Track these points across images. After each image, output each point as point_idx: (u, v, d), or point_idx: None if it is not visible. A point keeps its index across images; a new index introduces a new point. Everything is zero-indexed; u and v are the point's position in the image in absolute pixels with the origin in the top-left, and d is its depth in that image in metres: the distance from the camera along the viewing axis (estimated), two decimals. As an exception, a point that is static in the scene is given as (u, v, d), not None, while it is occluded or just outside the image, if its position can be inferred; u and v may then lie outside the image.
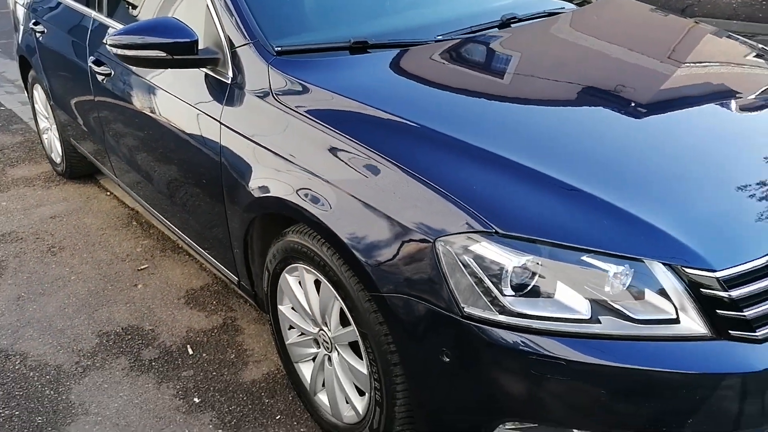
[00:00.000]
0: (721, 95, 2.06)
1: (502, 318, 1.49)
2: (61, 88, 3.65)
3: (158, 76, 2.50)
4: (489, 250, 1.50)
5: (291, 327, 2.16)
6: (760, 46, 2.57)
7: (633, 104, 1.92)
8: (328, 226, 1.74)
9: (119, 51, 2.19)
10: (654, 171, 1.64)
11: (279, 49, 2.11)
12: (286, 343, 2.20)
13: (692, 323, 1.46)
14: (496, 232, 1.49)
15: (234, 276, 2.44)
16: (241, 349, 2.58)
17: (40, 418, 2.27)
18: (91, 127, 3.32)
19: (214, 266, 2.61)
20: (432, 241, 1.54)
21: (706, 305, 1.45)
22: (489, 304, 1.50)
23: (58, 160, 4.30)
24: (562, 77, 2.07)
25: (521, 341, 1.48)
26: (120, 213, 3.80)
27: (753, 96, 2.04)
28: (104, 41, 2.31)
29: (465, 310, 1.51)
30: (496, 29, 2.34)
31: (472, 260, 1.50)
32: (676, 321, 1.47)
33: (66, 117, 3.71)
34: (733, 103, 1.99)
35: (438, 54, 2.13)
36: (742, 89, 2.11)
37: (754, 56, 2.45)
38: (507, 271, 1.49)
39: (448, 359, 1.57)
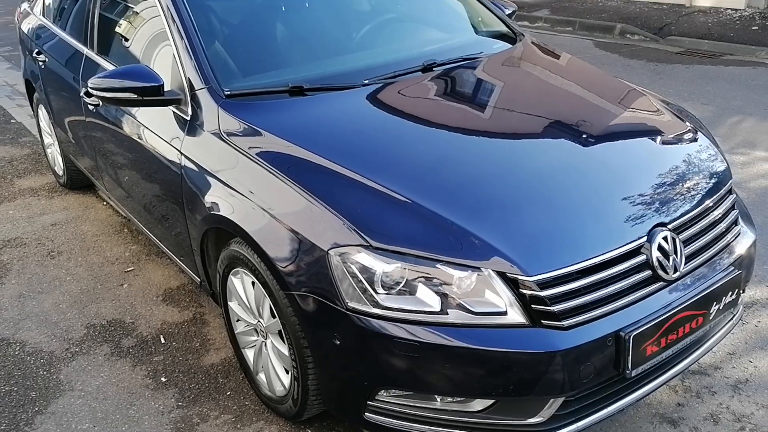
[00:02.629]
0: (570, 133, 2.51)
1: (375, 311, 1.97)
2: (60, 110, 4.16)
3: (137, 111, 3.00)
4: (366, 258, 1.97)
5: (238, 320, 2.64)
6: (660, 100, 2.90)
7: (494, 139, 2.42)
8: (256, 240, 2.22)
9: (99, 93, 2.69)
10: (495, 197, 2.12)
11: (228, 92, 2.60)
12: (236, 332, 2.68)
13: (516, 315, 1.93)
14: (370, 245, 1.97)
15: (197, 277, 2.93)
16: (205, 339, 3.07)
17: (33, 392, 2.77)
18: (84, 147, 3.83)
19: (185, 269, 3.10)
20: (326, 251, 2.03)
21: (524, 302, 1.92)
22: (366, 300, 1.98)
23: (60, 172, 4.81)
24: (454, 119, 2.55)
25: (389, 328, 1.96)
26: (114, 221, 4.30)
27: (598, 134, 2.50)
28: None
29: (349, 304, 1.99)
30: (419, 73, 2.81)
31: (353, 266, 1.98)
32: (505, 313, 1.94)
33: (64, 136, 4.22)
34: (576, 142, 2.45)
35: (355, 98, 2.61)
36: (591, 129, 2.54)
37: (630, 102, 2.89)
38: (378, 275, 1.96)
39: (339, 342, 2.05)
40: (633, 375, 2.02)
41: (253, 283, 2.41)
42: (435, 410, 2.06)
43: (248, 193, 2.30)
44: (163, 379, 2.81)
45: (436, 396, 2.04)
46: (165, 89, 2.65)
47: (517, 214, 2.07)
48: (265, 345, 2.50)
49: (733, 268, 2.24)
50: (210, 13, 2.91)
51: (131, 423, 2.58)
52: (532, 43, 3.32)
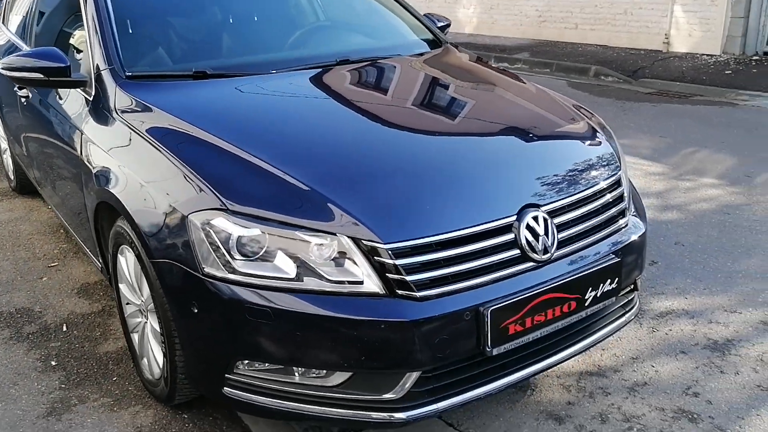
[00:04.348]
0: (456, 120, 2.51)
1: (231, 276, 1.93)
2: (6, 113, 4.21)
3: (60, 102, 3.01)
4: (223, 222, 1.95)
5: (128, 302, 2.60)
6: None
7: (375, 122, 2.44)
8: (128, 209, 2.20)
9: (9, 73, 2.72)
10: (360, 168, 2.11)
11: (129, 74, 2.62)
12: (125, 316, 2.64)
13: (372, 285, 1.89)
14: (228, 209, 1.95)
15: (99, 263, 2.90)
16: (108, 329, 3.01)
17: None
18: (20, 144, 3.85)
19: (91, 258, 3.07)
20: (186, 215, 2.00)
21: (380, 270, 1.89)
22: (222, 265, 1.94)
23: (11, 176, 4.84)
24: (343, 103, 2.57)
25: (244, 294, 1.92)
26: (53, 223, 4.29)
27: (486, 122, 2.51)
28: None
29: (205, 270, 1.96)
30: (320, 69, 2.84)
31: (211, 231, 1.96)
32: (361, 283, 1.90)
33: (11, 138, 4.26)
34: (461, 127, 2.45)
35: (254, 82, 2.64)
36: (480, 117, 2.55)
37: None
38: (234, 239, 1.93)
39: (196, 310, 2.01)
40: (494, 353, 1.96)
41: (135, 260, 2.37)
42: (294, 384, 2.00)
43: (128, 165, 2.30)
44: (53, 363, 2.75)
45: (294, 370, 1.98)
46: (73, 72, 2.68)
47: (379, 184, 2.05)
48: (147, 326, 2.45)
49: (612, 256, 2.20)
50: (130, 2, 2.96)
51: (8, 401, 2.52)
52: (458, 50, 3.36)
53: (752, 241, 3.69)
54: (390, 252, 1.88)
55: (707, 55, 9.18)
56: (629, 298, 2.45)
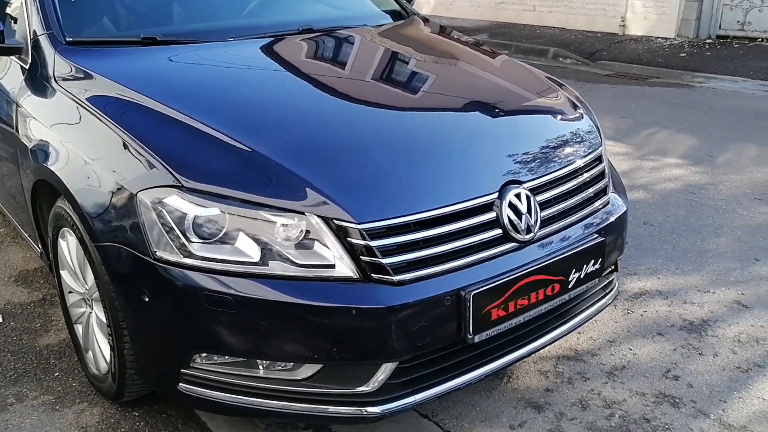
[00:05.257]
0: (428, 94, 2.35)
1: (187, 261, 1.73)
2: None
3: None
4: (178, 201, 1.74)
5: (70, 291, 2.36)
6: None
7: (342, 93, 2.24)
8: (69, 188, 1.97)
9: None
10: (328, 142, 1.92)
11: (70, 39, 2.36)
12: (68, 306, 2.40)
13: (344, 268, 1.72)
14: (182, 186, 1.74)
15: (38, 248, 2.64)
16: (49, 320, 2.76)
17: None
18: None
19: (30, 244, 2.81)
20: (135, 194, 1.79)
21: (354, 253, 1.72)
22: (177, 249, 1.74)
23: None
24: (304, 72, 2.38)
25: (201, 280, 1.72)
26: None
27: (461, 97, 2.35)
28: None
29: (157, 254, 1.75)
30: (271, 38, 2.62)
31: (163, 210, 1.75)
32: (333, 266, 1.73)
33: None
34: (437, 102, 2.29)
35: (209, 50, 2.41)
36: (453, 91, 2.40)
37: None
38: (190, 219, 1.73)
39: (148, 299, 1.80)
40: (476, 341, 1.82)
41: (78, 244, 2.14)
42: (258, 378, 1.82)
43: (69, 139, 2.06)
44: (-14, 359, 2.50)
45: (258, 363, 1.80)
46: (7, 39, 2.40)
47: (350, 159, 1.87)
48: (92, 316, 2.23)
49: (596, 235, 2.09)
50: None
51: (-66, 403, 2.27)
52: (425, 22, 3.19)
53: (719, 221, 3.66)
54: (364, 233, 1.71)
55: (662, 38, 9.24)
56: (609, 280, 2.35)
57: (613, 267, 2.35)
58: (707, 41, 8.90)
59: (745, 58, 7.93)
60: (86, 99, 2.10)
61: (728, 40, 8.88)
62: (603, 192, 2.23)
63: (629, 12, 9.61)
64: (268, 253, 1.73)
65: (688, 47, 8.66)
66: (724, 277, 3.06)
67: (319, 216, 1.72)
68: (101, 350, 2.17)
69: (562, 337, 2.16)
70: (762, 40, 8.64)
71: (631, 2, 9.56)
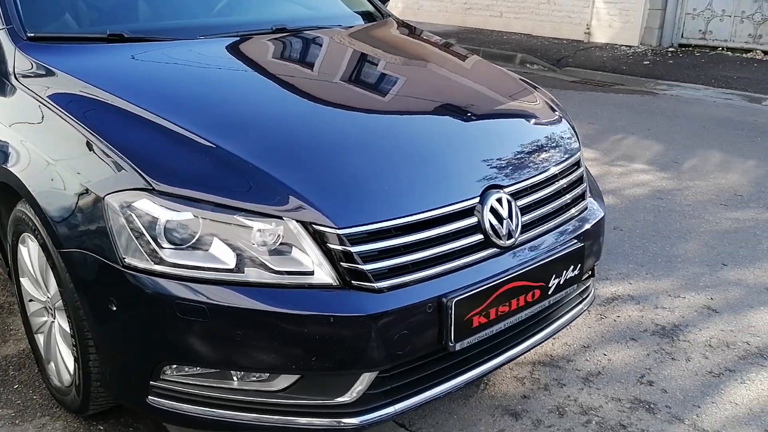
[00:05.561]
0: (405, 96, 2.32)
1: (157, 268, 1.65)
2: None
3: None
4: (148, 205, 1.66)
5: (31, 299, 2.25)
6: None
7: (316, 96, 2.19)
8: (30, 190, 1.87)
9: None
10: (305, 144, 1.87)
11: (31, 35, 2.26)
12: (28, 315, 2.29)
13: (323, 275, 1.67)
14: (153, 189, 1.67)
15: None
16: (8, 329, 2.64)
17: None
18: None
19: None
20: (103, 197, 1.70)
21: (333, 260, 1.66)
22: (147, 255, 1.66)
23: None
24: (276, 72, 2.32)
25: (172, 288, 1.64)
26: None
27: (440, 100, 2.32)
28: None
29: (125, 260, 1.67)
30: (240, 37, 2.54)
31: (133, 215, 1.67)
32: (311, 273, 1.67)
33: None
34: (415, 104, 2.26)
35: (179, 48, 2.34)
36: (431, 93, 2.36)
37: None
38: (161, 225, 1.66)
39: (115, 308, 1.72)
40: (458, 348, 1.79)
41: (40, 250, 2.04)
42: (232, 390, 1.75)
43: (31, 139, 1.96)
44: (-61, 372, 2.37)
45: (232, 374, 1.74)
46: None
47: (329, 162, 1.82)
48: (54, 326, 2.12)
49: (575, 240, 2.08)
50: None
51: None
52: (400, 23, 3.15)
53: (687, 226, 3.71)
54: (344, 238, 1.66)
55: (626, 45, 9.41)
56: (586, 285, 2.34)
57: (590, 272, 2.34)
58: (670, 49, 9.09)
59: (707, 67, 8.12)
60: (48, 97, 2.00)
61: (690, 48, 9.08)
62: (581, 197, 2.22)
63: (594, 20, 9.76)
64: (243, 259, 1.66)
65: (651, 55, 8.84)
66: (694, 282, 3.09)
67: (297, 221, 1.67)
68: (64, 361, 2.07)
69: (541, 343, 2.14)
70: (722, 49, 8.86)
71: (596, 10, 9.71)
